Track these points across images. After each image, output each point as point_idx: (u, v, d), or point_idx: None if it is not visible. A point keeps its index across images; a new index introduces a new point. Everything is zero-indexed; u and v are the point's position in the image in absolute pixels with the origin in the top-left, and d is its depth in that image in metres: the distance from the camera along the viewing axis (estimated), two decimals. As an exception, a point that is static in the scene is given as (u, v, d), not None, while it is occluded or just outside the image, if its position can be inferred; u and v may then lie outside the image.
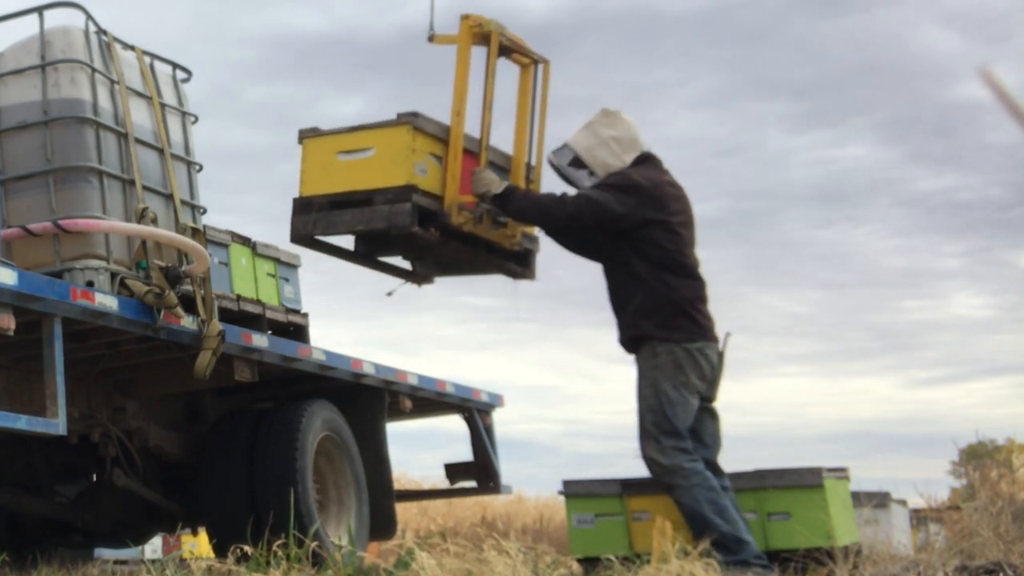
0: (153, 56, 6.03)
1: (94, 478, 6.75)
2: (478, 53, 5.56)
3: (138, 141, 5.65)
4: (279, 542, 4.61)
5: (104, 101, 5.53)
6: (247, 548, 4.68)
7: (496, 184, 5.39)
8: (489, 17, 5.53)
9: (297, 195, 5.61)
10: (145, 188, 5.60)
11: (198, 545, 11.62)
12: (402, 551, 4.66)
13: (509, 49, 5.66)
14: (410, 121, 5.37)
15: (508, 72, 5.84)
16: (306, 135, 5.61)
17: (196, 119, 6.24)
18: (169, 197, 5.78)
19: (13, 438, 5.74)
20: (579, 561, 5.54)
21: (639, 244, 5.05)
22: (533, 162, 5.85)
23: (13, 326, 4.59)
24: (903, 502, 8.85)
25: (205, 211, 6.12)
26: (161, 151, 5.81)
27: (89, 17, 5.57)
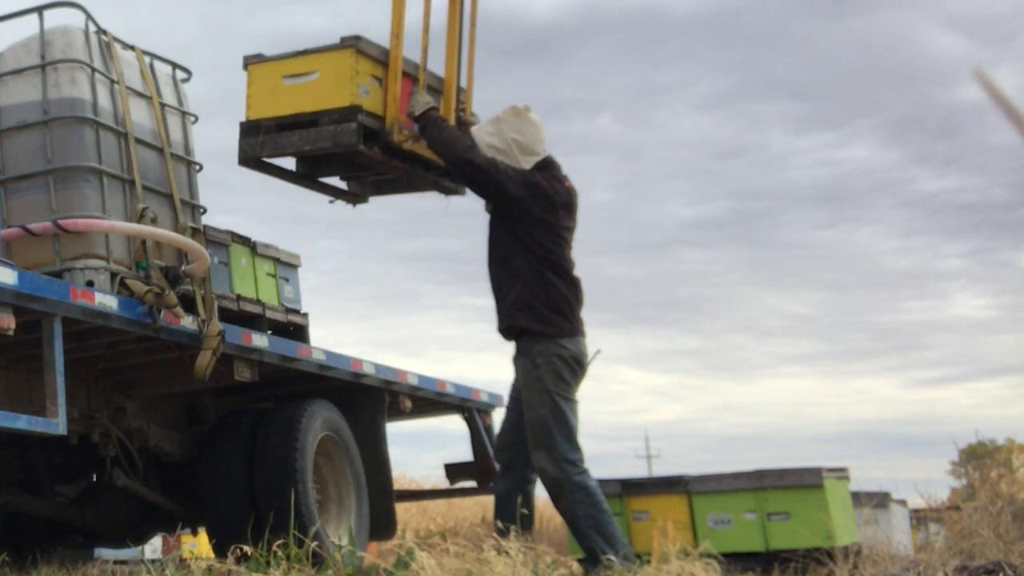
0: (153, 56, 6.03)
1: (94, 478, 6.75)
2: None
3: (138, 141, 5.64)
4: (279, 542, 4.60)
5: (104, 101, 5.53)
6: (247, 548, 4.68)
7: (419, 106, 5.60)
8: None
9: (244, 119, 5.76)
10: (145, 188, 5.60)
11: (198, 545, 11.61)
12: (402, 551, 4.65)
13: None
14: (353, 44, 5.54)
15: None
16: (251, 61, 5.77)
17: (196, 119, 6.24)
18: (169, 197, 5.78)
19: (13, 438, 5.73)
20: (579, 561, 5.54)
21: (525, 240, 5.27)
22: (464, 85, 6.07)
23: (13, 326, 4.58)
24: (903, 502, 8.84)
25: (205, 211, 6.12)
26: (161, 151, 5.81)
27: (89, 17, 5.57)
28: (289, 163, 5.99)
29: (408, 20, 5.74)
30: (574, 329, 5.30)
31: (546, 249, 5.27)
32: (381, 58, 5.68)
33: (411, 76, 5.78)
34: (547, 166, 5.41)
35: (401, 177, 6.06)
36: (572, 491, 5.18)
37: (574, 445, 5.23)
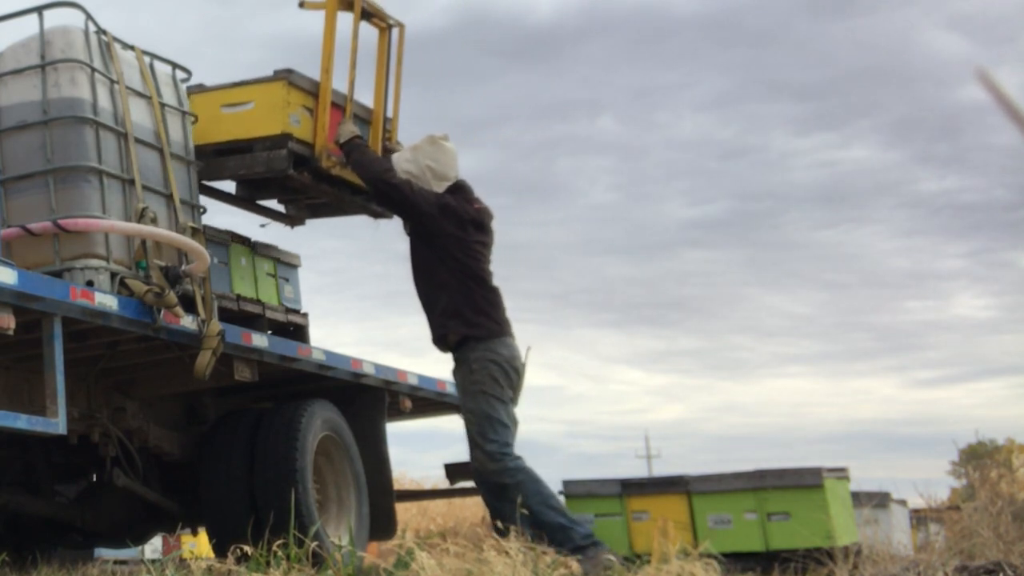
0: (153, 56, 6.03)
1: (94, 478, 6.75)
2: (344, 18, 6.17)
3: (138, 141, 5.64)
4: (279, 542, 4.60)
5: (104, 101, 5.52)
6: (247, 548, 4.68)
7: (345, 134, 6.00)
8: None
9: None
10: (145, 188, 5.59)
11: (198, 545, 11.62)
12: (402, 551, 4.65)
13: (370, 14, 6.24)
14: (285, 77, 6.01)
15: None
16: (193, 91, 6.19)
17: (196, 119, 6.23)
18: (169, 197, 5.78)
19: (13, 438, 5.73)
20: (579, 561, 5.54)
21: (442, 254, 5.67)
22: (391, 114, 6.53)
23: (13, 325, 4.58)
24: (903, 502, 8.84)
25: (205, 211, 6.11)
26: (161, 151, 5.81)
27: (89, 17, 5.57)
28: (230, 187, 6.44)
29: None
30: (502, 330, 5.67)
31: (461, 262, 5.65)
32: (312, 90, 6.12)
33: (340, 107, 6.22)
34: (458, 189, 5.81)
35: (332, 201, 6.51)
36: (514, 474, 5.49)
37: (507, 439, 5.57)
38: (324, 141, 6.11)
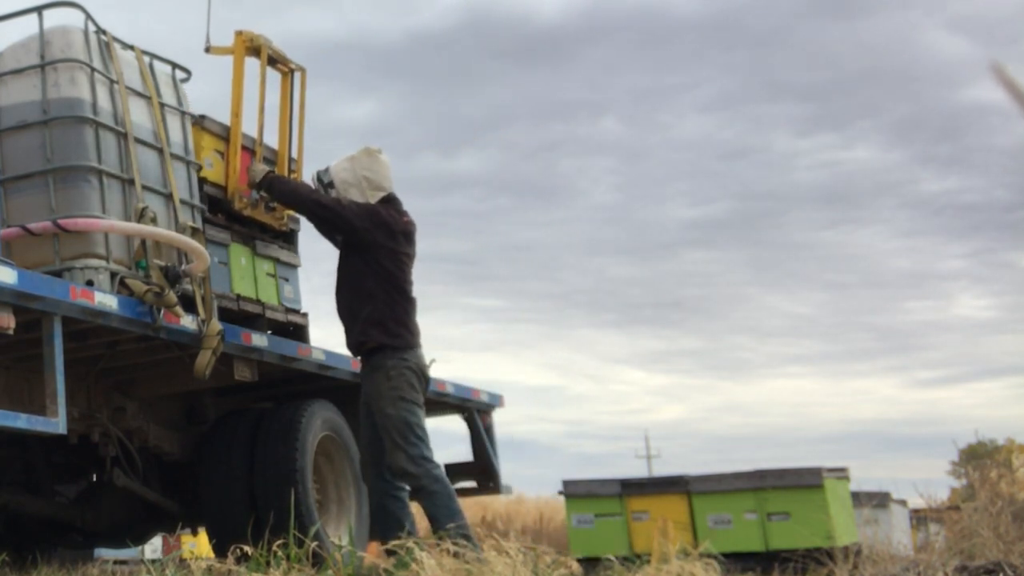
0: (153, 56, 6.03)
1: (94, 478, 6.75)
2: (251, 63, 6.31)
3: (137, 141, 5.64)
4: (279, 542, 4.60)
5: (103, 101, 5.52)
6: (247, 548, 4.68)
7: (258, 174, 6.18)
8: (258, 32, 6.30)
9: None
10: (145, 187, 5.59)
11: (198, 545, 11.62)
12: (402, 551, 4.65)
13: (274, 59, 6.40)
14: (197, 123, 6.20)
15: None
16: None
17: (195, 118, 6.23)
18: (169, 196, 5.78)
19: (13, 438, 5.73)
20: (579, 561, 5.55)
21: (373, 264, 5.82)
22: (295, 155, 6.72)
23: (13, 325, 4.58)
24: (903, 502, 8.85)
25: (205, 211, 6.11)
26: (161, 151, 5.81)
27: (88, 17, 5.57)
28: None
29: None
30: (415, 341, 5.85)
31: (389, 272, 5.81)
32: (222, 134, 6.31)
33: (249, 149, 6.42)
34: (390, 201, 5.95)
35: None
36: (431, 483, 5.60)
37: (427, 445, 5.72)
38: (236, 183, 6.30)
